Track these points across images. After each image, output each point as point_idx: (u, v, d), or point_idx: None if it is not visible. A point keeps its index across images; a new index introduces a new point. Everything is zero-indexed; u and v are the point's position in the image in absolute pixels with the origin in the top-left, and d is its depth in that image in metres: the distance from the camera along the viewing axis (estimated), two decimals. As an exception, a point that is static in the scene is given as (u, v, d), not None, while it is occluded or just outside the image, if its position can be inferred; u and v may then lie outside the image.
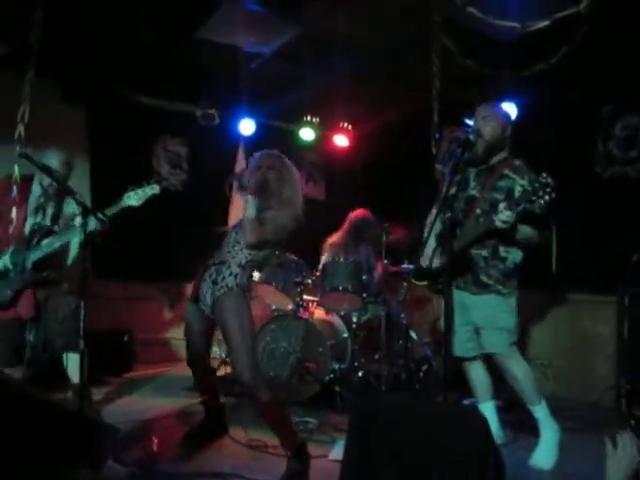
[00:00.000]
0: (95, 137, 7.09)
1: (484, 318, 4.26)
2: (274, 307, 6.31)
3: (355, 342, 6.13)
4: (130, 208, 4.47)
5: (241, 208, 4.05)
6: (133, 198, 4.46)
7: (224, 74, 6.78)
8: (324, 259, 6.49)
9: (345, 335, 6.17)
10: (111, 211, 4.46)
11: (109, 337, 6.54)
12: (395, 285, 6.58)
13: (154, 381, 6.42)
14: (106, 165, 6.91)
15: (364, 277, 6.12)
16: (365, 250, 6.59)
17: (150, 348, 7.10)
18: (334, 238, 6.66)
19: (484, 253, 4.26)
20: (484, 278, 4.25)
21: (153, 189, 4.47)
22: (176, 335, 7.04)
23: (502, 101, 5.21)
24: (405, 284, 6.28)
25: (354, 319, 6.25)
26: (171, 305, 7.60)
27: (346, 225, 6.70)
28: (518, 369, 4.26)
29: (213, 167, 7.25)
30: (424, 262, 4.22)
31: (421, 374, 6.12)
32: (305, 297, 6.17)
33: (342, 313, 6.30)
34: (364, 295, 6.03)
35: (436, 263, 4.23)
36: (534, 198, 3.80)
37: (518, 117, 5.37)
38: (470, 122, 4.32)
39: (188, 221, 7.23)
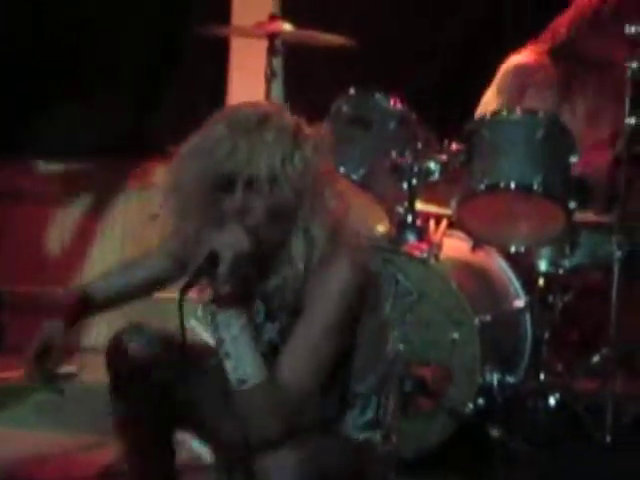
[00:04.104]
0: None
1: None
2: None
3: (545, 322, 4.15)
4: None
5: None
6: None
7: None
8: (480, 110, 4.26)
9: (520, 303, 4.15)
10: None
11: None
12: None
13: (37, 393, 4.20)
14: None
15: (572, 159, 3.82)
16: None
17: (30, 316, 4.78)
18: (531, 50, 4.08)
19: None
20: None
21: None
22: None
23: None
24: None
25: (543, 266, 4.17)
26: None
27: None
28: None
29: None
30: None
31: None
32: (421, 206, 4.08)
33: (513, 249, 4.16)
34: (570, 206, 3.79)
35: None
36: None
37: None
38: None
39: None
